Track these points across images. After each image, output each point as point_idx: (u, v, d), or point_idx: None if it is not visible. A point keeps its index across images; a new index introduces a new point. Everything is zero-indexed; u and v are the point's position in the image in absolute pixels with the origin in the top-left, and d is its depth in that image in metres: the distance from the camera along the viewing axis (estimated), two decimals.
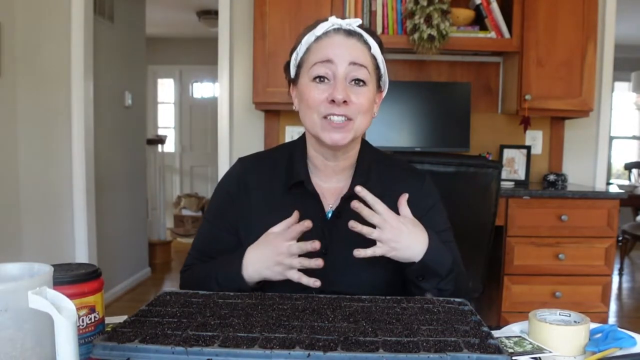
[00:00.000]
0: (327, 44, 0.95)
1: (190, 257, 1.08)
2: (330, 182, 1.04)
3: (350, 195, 0.97)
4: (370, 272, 0.96)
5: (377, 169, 1.04)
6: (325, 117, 0.94)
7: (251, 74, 2.57)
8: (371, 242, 0.91)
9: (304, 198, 1.00)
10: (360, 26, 0.97)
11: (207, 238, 1.07)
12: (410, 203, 0.98)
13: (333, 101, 0.92)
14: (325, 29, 0.96)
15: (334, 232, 0.98)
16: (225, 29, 2.81)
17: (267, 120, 2.83)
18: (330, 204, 1.02)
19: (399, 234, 0.89)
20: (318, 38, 0.96)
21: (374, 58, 0.98)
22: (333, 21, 0.96)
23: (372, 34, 0.99)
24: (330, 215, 1.01)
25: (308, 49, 0.97)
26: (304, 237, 0.91)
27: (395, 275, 0.97)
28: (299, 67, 1.00)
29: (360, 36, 0.96)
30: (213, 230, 1.06)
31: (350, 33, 0.96)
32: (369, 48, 0.97)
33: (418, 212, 0.98)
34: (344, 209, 0.98)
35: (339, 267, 0.96)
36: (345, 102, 0.92)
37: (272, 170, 1.05)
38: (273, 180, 1.04)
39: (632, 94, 5.78)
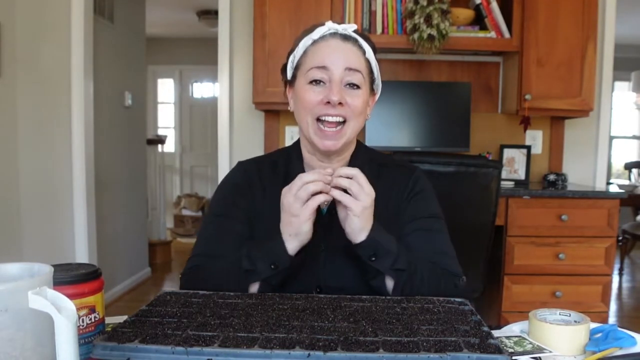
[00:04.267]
0: (323, 48, 0.99)
1: (196, 259, 1.03)
2: None
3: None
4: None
5: (369, 168, 1.04)
6: (318, 120, 0.98)
7: (251, 74, 2.57)
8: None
9: None
10: (355, 31, 1.01)
11: (216, 235, 1.04)
12: (395, 193, 1.04)
13: (328, 103, 0.96)
14: (322, 33, 1.00)
15: (330, 228, 0.99)
16: (225, 29, 2.81)
17: (267, 120, 2.83)
18: (325, 201, 1.03)
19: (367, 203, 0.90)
20: (315, 42, 1.00)
21: (367, 62, 1.02)
22: (330, 26, 1.00)
23: (367, 38, 1.03)
24: (325, 211, 1.03)
25: (305, 52, 1.01)
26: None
27: None
28: (296, 69, 1.03)
29: (355, 41, 1.00)
30: (224, 225, 1.03)
31: (346, 37, 1.00)
32: (364, 52, 1.01)
33: (401, 201, 1.04)
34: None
35: (337, 261, 0.99)
36: (340, 103, 0.96)
37: (271, 171, 1.09)
38: (273, 181, 1.06)
39: (632, 94, 5.78)
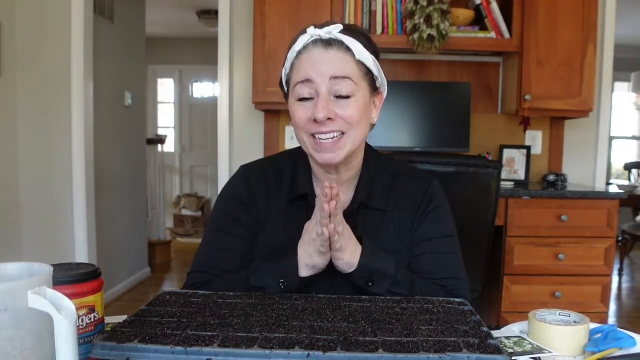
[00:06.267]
0: (305, 60, 0.91)
1: (196, 276, 0.99)
2: None
3: (352, 211, 0.96)
4: None
5: (381, 179, 1.00)
6: (314, 136, 0.91)
7: (251, 74, 2.57)
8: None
9: (308, 211, 0.96)
10: (342, 31, 0.91)
11: (217, 251, 1.00)
12: (410, 206, 0.99)
13: (316, 120, 0.89)
14: (305, 42, 0.92)
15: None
16: (225, 29, 2.81)
17: (267, 120, 2.83)
18: None
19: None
20: (299, 54, 0.92)
21: (360, 64, 0.92)
22: (312, 32, 0.91)
23: (357, 35, 0.93)
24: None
25: (292, 66, 0.94)
26: None
27: None
28: (287, 84, 0.97)
29: (341, 44, 0.90)
30: (225, 240, 1.00)
31: (329, 43, 0.90)
32: (353, 55, 0.91)
33: (416, 217, 0.98)
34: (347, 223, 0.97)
35: (343, 281, 0.95)
36: (330, 119, 0.89)
37: (277, 180, 1.02)
38: (278, 191, 1.01)
39: (632, 94, 5.78)
